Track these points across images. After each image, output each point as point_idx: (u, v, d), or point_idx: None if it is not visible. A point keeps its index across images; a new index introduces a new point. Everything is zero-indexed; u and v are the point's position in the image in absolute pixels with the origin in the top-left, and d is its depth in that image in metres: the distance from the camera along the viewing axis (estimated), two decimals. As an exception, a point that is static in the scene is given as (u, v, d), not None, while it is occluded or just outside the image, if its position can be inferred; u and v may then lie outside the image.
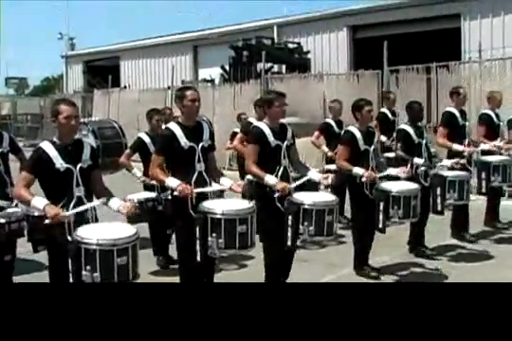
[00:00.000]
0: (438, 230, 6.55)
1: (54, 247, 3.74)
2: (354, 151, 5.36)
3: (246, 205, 4.15)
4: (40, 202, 3.61)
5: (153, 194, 5.73)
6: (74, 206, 3.72)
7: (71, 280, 3.51)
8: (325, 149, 7.57)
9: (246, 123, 6.96)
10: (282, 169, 4.69)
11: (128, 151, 6.24)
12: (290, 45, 18.40)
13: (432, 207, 5.91)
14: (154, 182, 5.63)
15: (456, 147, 6.43)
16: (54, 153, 3.69)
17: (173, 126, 4.34)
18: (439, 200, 5.85)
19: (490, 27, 14.90)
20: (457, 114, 6.52)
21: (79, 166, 3.74)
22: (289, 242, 4.56)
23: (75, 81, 28.22)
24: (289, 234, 4.53)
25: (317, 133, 7.74)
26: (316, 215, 4.47)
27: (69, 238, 3.65)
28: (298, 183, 4.72)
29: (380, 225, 5.30)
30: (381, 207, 5.24)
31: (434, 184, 5.86)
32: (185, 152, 4.26)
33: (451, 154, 6.51)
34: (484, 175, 6.38)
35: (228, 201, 4.31)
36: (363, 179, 5.23)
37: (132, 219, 4.29)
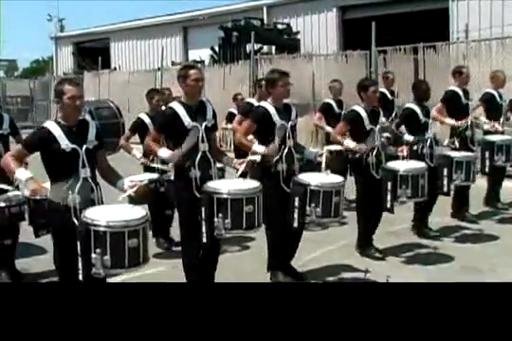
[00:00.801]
0: (437, 211, 6.49)
1: (59, 231, 3.64)
2: (359, 130, 5.28)
3: (252, 184, 4.06)
4: (23, 174, 3.53)
5: (154, 175, 5.62)
6: (80, 188, 3.62)
7: (80, 264, 3.42)
8: (330, 129, 7.45)
9: (246, 104, 6.83)
10: (287, 149, 4.61)
11: (127, 132, 6.11)
12: (279, 26, 18.43)
13: (439, 189, 5.85)
14: (154, 164, 5.59)
15: (448, 121, 6.38)
16: (59, 133, 3.58)
17: (176, 105, 4.23)
18: (445, 181, 5.80)
19: (478, 8, 14.82)
20: (460, 93, 6.45)
21: (85, 147, 3.64)
22: (295, 224, 4.50)
23: (65, 63, 28.04)
24: (296, 215, 4.46)
25: (318, 114, 7.62)
26: (323, 196, 4.39)
27: (75, 221, 3.55)
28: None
29: (388, 205, 5.26)
30: (389, 187, 5.19)
31: (441, 164, 5.81)
32: (188, 131, 4.17)
33: (453, 132, 6.45)
34: (487, 155, 6.34)
35: (233, 181, 4.20)
36: (352, 147, 5.17)
37: (134, 200, 4.17)
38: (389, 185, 5.19)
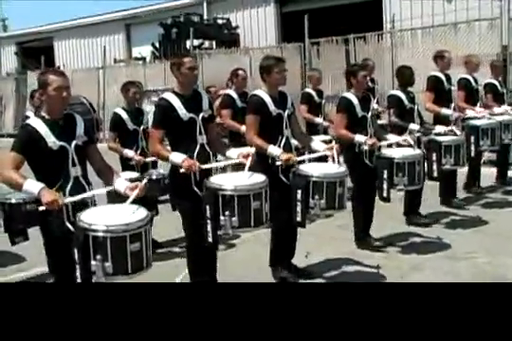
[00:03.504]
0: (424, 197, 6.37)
1: (51, 237, 3.25)
2: (351, 118, 5.03)
3: (258, 178, 3.74)
4: (34, 185, 3.09)
5: (136, 174, 5.20)
6: (71, 189, 3.24)
7: (78, 273, 3.03)
8: (319, 120, 7.17)
9: (224, 97, 6.51)
10: (284, 139, 4.32)
11: (110, 133, 5.61)
12: (219, 21, 18.43)
13: (428, 174, 5.67)
14: (149, 159, 5.20)
15: (444, 111, 6.21)
16: (45, 130, 3.18)
17: (170, 96, 3.89)
18: (435, 166, 5.62)
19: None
20: (443, 78, 6.29)
21: (73, 143, 3.26)
22: (299, 218, 4.19)
23: (8, 63, 27.28)
24: (298, 209, 4.16)
25: (303, 106, 7.24)
26: (327, 188, 4.10)
27: (69, 225, 3.18)
28: (309, 157, 4.36)
29: (385, 194, 5.04)
30: (385, 176, 4.96)
31: (430, 150, 5.62)
32: (185, 123, 3.84)
33: (438, 119, 6.29)
34: (472, 139, 6.20)
35: (236, 175, 3.87)
36: (365, 147, 4.93)
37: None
38: (385, 173, 4.97)
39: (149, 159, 5.35)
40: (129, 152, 5.42)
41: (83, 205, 3.25)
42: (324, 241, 5.62)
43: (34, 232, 4.10)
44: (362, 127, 5.06)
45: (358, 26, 12.39)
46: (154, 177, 5.18)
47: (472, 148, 6.19)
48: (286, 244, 4.57)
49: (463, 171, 6.92)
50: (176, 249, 5.54)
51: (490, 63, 7.36)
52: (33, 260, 5.01)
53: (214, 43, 17.98)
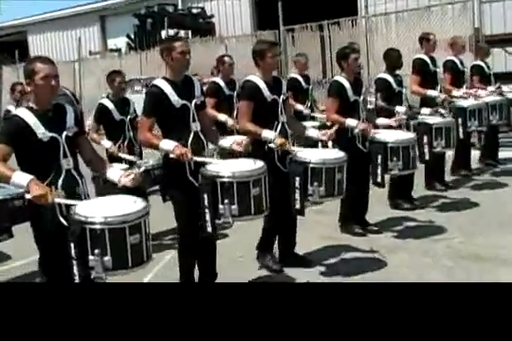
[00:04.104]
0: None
1: (44, 233, 3.12)
2: (343, 102, 4.93)
3: (257, 164, 3.65)
4: (23, 177, 2.94)
5: (124, 165, 5.07)
6: (64, 182, 3.11)
7: (75, 270, 2.92)
8: (300, 107, 7.05)
9: (211, 84, 6.38)
10: (280, 125, 4.22)
11: (93, 124, 5.45)
12: (194, 11, 18.37)
13: (419, 157, 5.61)
14: (121, 154, 5.07)
15: (430, 93, 6.16)
16: (33, 121, 3.04)
17: (161, 82, 3.75)
18: (426, 149, 5.58)
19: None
20: (428, 60, 6.23)
21: (64, 134, 3.12)
22: (298, 206, 4.10)
23: None
24: (297, 197, 4.07)
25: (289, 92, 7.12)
26: (326, 174, 4.02)
27: (62, 220, 3.05)
28: (299, 149, 4.25)
29: (379, 180, 4.99)
30: (379, 161, 4.90)
31: (420, 132, 5.55)
32: (177, 110, 3.71)
33: (425, 102, 6.25)
34: (460, 121, 6.17)
35: (233, 162, 3.77)
36: (356, 131, 4.85)
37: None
38: (379, 158, 4.90)
39: (123, 155, 5.22)
40: (106, 143, 5.30)
41: (77, 198, 3.12)
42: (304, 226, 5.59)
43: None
44: (354, 111, 4.98)
45: (334, 12, 12.38)
46: (143, 168, 5.04)
47: (460, 129, 6.15)
48: (285, 233, 4.51)
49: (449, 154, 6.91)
50: (168, 241, 5.44)
51: (476, 46, 7.35)
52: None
53: (190, 32, 17.74)
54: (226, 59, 6.43)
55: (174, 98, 3.69)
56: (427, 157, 5.63)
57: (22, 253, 4.74)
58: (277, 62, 4.27)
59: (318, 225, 5.46)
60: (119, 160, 5.22)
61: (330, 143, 4.63)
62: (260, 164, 3.64)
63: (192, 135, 3.74)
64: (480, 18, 10.03)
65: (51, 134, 3.05)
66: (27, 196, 2.96)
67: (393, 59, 5.70)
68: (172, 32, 16.30)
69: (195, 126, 3.77)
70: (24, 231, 3.55)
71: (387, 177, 5.20)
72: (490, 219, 5.52)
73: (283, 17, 11.63)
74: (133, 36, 17.60)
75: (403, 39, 10.12)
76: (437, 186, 6.70)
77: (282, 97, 4.24)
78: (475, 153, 7.66)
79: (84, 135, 3.35)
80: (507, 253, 4.58)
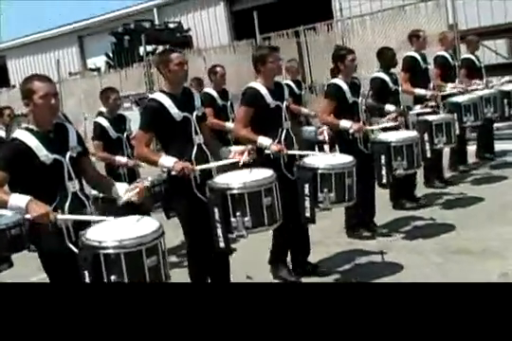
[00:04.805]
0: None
1: (52, 260, 2.98)
2: (342, 104, 4.84)
3: (266, 172, 3.54)
4: (20, 199, 2.80)
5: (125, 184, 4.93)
6: (70, 206, 2.98)
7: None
8: (306, 111, 6.98)
9: (204, 95, 6.28)
10: (284, 132, 4.12)
11: (96, 142, 5.32)
12: (171, 25, 18.50)
13: (421, 155, 5.53)
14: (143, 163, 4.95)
15: (418, 91, 6.11)
16: (35, 143, 2.90)
17: (159, 96, 3.65)
18: (428, 146, 5.52)
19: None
20: (418, 57, 6.19)
21: (68, 155, 2.99)
22: (308, 214, 4.00)
23: None
24: (307, 204, 3.97)
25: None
26: (335, 179, 3.93)
27: (71, 246, 2.91)
28: (299, 152, 4.16)
29: (384, 181, 4.91)
30: (383, 161, 4.82)
31: (420, 130, 5.48)
32: (179, 124, 3.61)
33: (417, 99, 6.20)
34: (456, 117, 6.11)
35: (240, 172, 3.64)
36: (350, 131, 4.76)
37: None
38: (382, 158, 4.82)
39: (142, 164, 5.08)
40: (122, 159, 5.19)
41: (85, 222, 3.00)
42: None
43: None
44: (354, 113, 4.90)
45: (309, 18, 12.44)
46: (146, 183, 4.92)
47: (456, 125, 6.09)
48: (296, 242, 4.40)
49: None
50: (173, 258, 5.31)
51: (466, 39, 7.33)
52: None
53: (168, 47, 17.81)
54: (218, 69, 6.34)
55: (175, 111, 3.58)
56: (428, 155, 5.57)
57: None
58: (279, 66, 4.17)
59: (320, 232, 5.34)
60: (119, 178, 5.08)
61: (327, 146, 4.53)
62: (269, 172, 3.54)
63: (195, 149, 3.64)
64: (454, 14, 10.06)
65: (54, 156, 2.92)
66: (27, 216, 2.81)
67: (387, 57, 5.63)
68: (150, 48, 16.56)
69: (198, 139, 3.67)
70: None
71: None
72: (492, 212, 5.47)
73: (259, 26, 11.67)
74: (111, 54, 17.64)
75: (379, 39, 10.14)
76: (436, 183, 6.65)
77: (285, 102, 4.15)
78: (471, 148, 7.64)
79: (87, 156, 3.22)
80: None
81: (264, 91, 4.06)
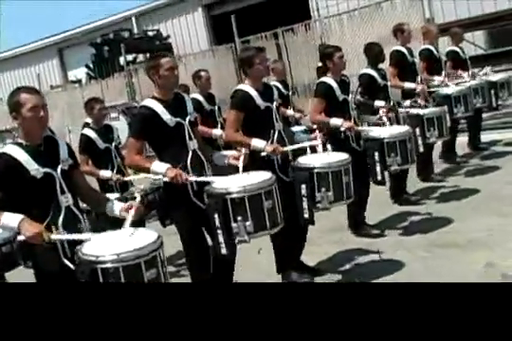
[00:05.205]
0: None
1: (47, 276, 2.89)
2: (332, 102, 4.77)
3: (264, 175, 3.46)
4: (12, 218, 2.72)
5: (117, 195, 4.83)
6: (64, 221, 2.88)
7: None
8: (290, 112, 6.90)
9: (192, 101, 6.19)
10: (276, 133, 4.04)
11: (81, 156, 5.15)
12: (150, 33, 18.40)
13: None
14: (129, 177, 4.86)
15: (408, 85, 6.05)
16: (25, 158, 2.81)
17: (151, 102, 3.55)
18: (420, 140, 5.46)
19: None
20: (405, 51, 6.14)
21: (59, 168, 2.89)
22: (306, 215, 3.93)
23: None
24: (305, 205, 3.89)
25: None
26: (332, 178, 3.87)
27: (67, 262, 2.83)
28: (293, 147, 4.08)
29: (379, 177, 4.84)
30: (377, 158, 4.76)
31: (411, 125, 5.42)
32: (172, 130, 3.51)
33: (406, 94, 6.15)
34: (446, 108, 6.06)
35: (237, 176, 3.55)
36: (341, 129, 4.70)
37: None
38: (376, 155, 4.76)
39: (128, 178, 5.01)
40: (106, 173, 5.05)
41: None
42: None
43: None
44: (344, 110, 4.82)
45: (288, 19, 12.43)
46: (138, 198, 4.82)
47: (447, 117, 6.04)
48: (294, 245, 4.31)
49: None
50: (171, 268, 5.21)
51: (450, 31, 7.30)
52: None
53: (148, 55, 17.74)
54: (202, 73, 6.26)
55: (167, 117, 3.49)
56: (421, 149, 5.51)
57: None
58: (267, 67, 4.10)
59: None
60: (111, 189, 4.98)
61: (320, 147, 4.44)
62: (268, 174, 3.46)
63: (190, 155, 3.54)
64: (430, 8, 10.08)
65: (45, 170, 2.83)
66: (20, 238, 2.72)
67: (374, 52, 5.56)
68: (130, 57, 16.56)
69: (193, 144, 3.58)
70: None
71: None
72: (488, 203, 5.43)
73: (238, 30, 11.63)
74: (92, 65, 17.55)
75: (358, 38, 10.13)
76: (430, 177, 6.60)
77: (275, 103, 4.07)
78: (460, 140, 7.63)
79: (79, 169, 3.13)
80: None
81: (253, 93, 3.97)
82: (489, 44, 13.24)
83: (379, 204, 5.70)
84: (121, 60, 15.60)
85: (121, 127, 4.86)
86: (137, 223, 4.23)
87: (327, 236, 5.23)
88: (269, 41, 11.82)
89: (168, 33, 18.56)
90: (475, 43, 12.16)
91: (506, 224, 4.69)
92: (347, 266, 4.57)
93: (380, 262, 4.44)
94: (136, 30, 19.22)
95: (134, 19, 20.09)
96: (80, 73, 19.36)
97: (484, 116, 7.97)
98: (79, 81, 18.04)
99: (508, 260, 3.96)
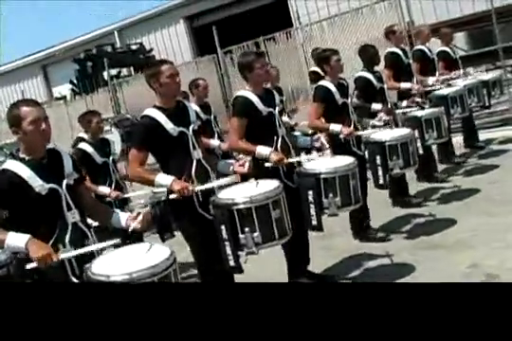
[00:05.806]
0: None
1: None
2: (331, 106, 4.71)
3: (271, 184, 3.37)
4: (19, 238, 2.62)
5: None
6: (71, 238, 2.78)
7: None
8: (285, 119, 6.83)
9: None
10: (280, 139, 3.95)
11: None
12: (133, 47, 18.44)
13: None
14: (127, 195, 4.75)
15: (404, 85, 6.03)
16: (28, 174, 2.71)
17: (152, 112, 3.45)
18: (419, 143, 5.42)
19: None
20: (399, 52, 6.12)
21: (64, 183, 2.79)
22: (314, 222, 3.84)
23: None
24: (312, 211, 3.81)
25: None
26: (340, 183, 3.79)
27: (74, 279, 2.74)
28: (298, 159, 3.98)
29: (381, 181, 4.77)
30: (378, 161, 4.70)
31: (410, 127, 5.37)
32: (175, 139, 3.42)
33: (402, 95, 6.12)
34: (443, 110, 6.03)
35: (243, 186, 3.47)
36: (341, 136, 4.65)
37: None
38: (378, 159, 4.70)
39: (127, 195, 4.91)
40: (104, 189, 4.95)
41: (88, 254, 2.80)
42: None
43: None
44: (344, 114, 4.78)
45: (270, 28, 12.42)
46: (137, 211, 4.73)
47: (445, 118, 6.01)
48: (304, 251, 4.23)
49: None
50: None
51: (439, 32, 7.30)
52: None
53: (132, 69, 17.84)
54: (200, 82, 6.18)
55: (170, 127, 3.40)
56: (420, 151, 5.46)
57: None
58: (267, 71, 4.04)
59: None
60: (110, 205, 4.86)
61: (327, 147, 4.38)
62: (275, 183, 3.38)
63: (195, 164, 3.45)
64: (408, 11, 10.13)
65: (50, 186, 2.73)
66: (29, 266, 2.59)
67: (369, 54, 5.51)
68: (114, 72, 16.55)
69: (197, 154, 3.48)
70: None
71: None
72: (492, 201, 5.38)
73: (220, 40, 11.56)
74: (76, 81, 17.54)
75: (339, 43, 10.16)
76: (434, 176, 6.55)
77: (277, 108, 3.99)
78: (458, 139, 7.60)
79: (84, 183, 3.03)
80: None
81: (254, 99, 3.89)
82: (470, 46, 13.32)
83: (381, 207, 5.64)
84: (105, 74, 15.47)
85: (115, 140, 4.76)
86: (137, 237, 4.18)
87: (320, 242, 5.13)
88: (251, 50, 11.86)
89: (151, 46, 18.61)
90: (456, 44, 12.21)
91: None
92: (356, 272, 4.49)
93: (391, 266, 4.39)
94: (118, 44, 19.25)
95: (116, 33, 20.17)
96: (64, 89, 19.32)
97: (477, 114, 7.98)
98: (63, 98, 17.98)
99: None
